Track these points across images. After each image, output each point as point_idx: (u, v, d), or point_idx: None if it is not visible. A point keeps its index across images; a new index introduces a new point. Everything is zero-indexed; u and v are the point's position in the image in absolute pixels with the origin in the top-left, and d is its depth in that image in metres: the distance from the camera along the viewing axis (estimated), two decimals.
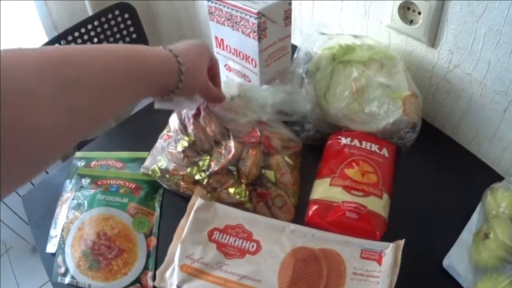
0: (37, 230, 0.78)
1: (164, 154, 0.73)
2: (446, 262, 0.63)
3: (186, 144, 0.70)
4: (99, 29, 1.52)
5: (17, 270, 2.00)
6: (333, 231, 0.62)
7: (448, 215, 0.70)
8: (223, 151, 0.68)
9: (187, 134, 0.71)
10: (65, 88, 0.38)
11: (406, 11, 0.80)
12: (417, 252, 0.61)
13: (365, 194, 0.64)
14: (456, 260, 0.63)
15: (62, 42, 1.43)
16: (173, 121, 0.74)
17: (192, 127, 0.70)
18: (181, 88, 0.56)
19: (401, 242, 0.59)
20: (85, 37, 1.49)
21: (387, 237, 0.62)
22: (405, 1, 0.77)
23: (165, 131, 0.76)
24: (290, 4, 0.69)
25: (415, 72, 0.85)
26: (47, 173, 1.82)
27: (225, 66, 0.80)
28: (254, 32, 0.66)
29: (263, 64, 0.71)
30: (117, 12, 1.54)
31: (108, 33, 1.55)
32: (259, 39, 0.67)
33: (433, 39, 0.79)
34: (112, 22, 1.55)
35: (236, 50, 0.74)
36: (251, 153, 0.67)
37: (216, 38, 0.76)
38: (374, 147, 0.70)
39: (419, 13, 0.77)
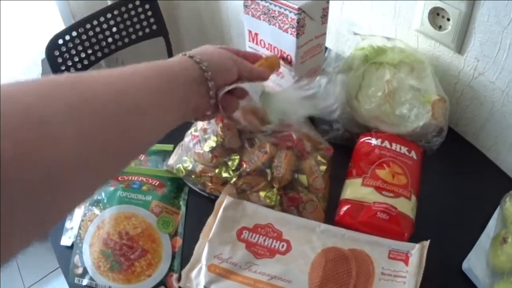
0: None
1: (190, 155, 0.70)
2: (465, 265, 0.62)
3: (214, 144, 0.67)
4: (118, 19, 1.50)
5: (20, 259, 1.99)
6: (363, 231, 0.61)
7: (467, 219, 0.70)
8: (256, 152, 0.66)
9: (215, 133, 0.68)
10: (78, 111, 0.33)
11: (436, 17, 0.78)
12: (438, 254, 0.60)
13: (395, 195, 0.63)
14: (475, 263, 0.62)
15: (80, 30, 1.42)
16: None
17: (221, 125, 0.67)
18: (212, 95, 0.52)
19: (426, 243, 0.58)
20: (104, 25, 1.48)
21: (411, 238, 0.62)
22: (435, 6, 0.76)
23: (192, 129, 0.73)
24: (328, 2, 0.67)
25: (441, 77, 0.83)
26: None
27: None
28: (293, 28, 0.64)
29: (299, 61, 0.70)
30: (137, 3, 1.52)
31: (128, 23, 1.54)
32: (297, 35, 0.65)
33: (460, 45, 0.78)
34: (132, 12, 1.53)
35: (271, 45, 0.72)
36: (284, 157, 0.65)
37: (250, 32, 0.74)
38: (404, 149, 0.69)
39: (448, 19, 0.76)
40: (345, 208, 0.63)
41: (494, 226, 0.65)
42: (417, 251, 0.58)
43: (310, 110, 0.65)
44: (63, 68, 1.42)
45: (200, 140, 0.69)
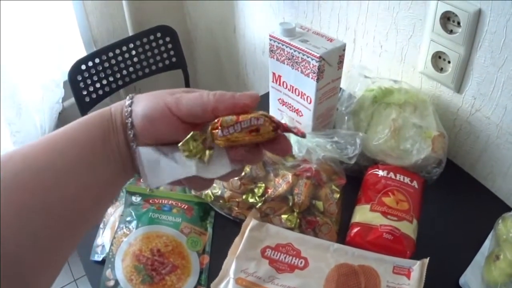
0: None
1: (220, 182, 0.78)
2: (462, 281, 0.71)
3: (242, 173, 0.77)
4: (140, 49, 1.59)
5: None
6: (371, 250, 0.71)
7: (464, 241, 0.78)
8: (280, 180, 0.77)
9: None
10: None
11: (438, 60, 0.90)
12: (437, 271, 0.69)
13: (398, 219, 0.74)
14: (471, 278, 0.71)
15: (102, 57, 1.51)
16: None
17: None
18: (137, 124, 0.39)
19: (426, 260, 0.67)
20: (126, 55, 1.57)
21: (413, 256, 0.71)
22: (437, 50, 0.87)
23: None
24: (344, 50, 0.79)
25: (442, 114, 0.93)
26: None
27: (278, 100, 0.90)
28: (314, 73, 0.76)
29: (317, 102, 0.81)
30: (158, 35, 1.62)
31: (148, 54, 1.63)
32: (318, 80, 0.77)
33: (459, 85, 0.88)
34: (153, 44, 1.62)
35: (293, 87, 0.83)
36: (304, 186, 0.76)
37: (274, 74, 0.86)
38: (406, 179, 0.80)
39: (449, 62, 0.87)
40: (355, 230, 0.74)
41: (488, 246, 0.73)
42: (418, 267, 0.67)
43: (332, 154, 0.77)
44: (85, 93, 1.50)
45: None
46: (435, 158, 0.83)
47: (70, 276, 1.93)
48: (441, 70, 0.90)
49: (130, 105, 0.40)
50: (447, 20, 0.83)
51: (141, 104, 0.40)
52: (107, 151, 0.39)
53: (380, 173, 0.81)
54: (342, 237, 0.77)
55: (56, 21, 1.50)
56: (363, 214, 0.76)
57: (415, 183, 0.80)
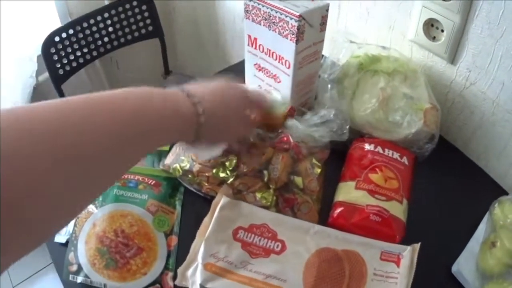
0: None
1: (188, 155, 0.71)
2: (454, 268, 0.65)
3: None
4: (115, 18, 1.52)
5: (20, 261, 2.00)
6: (356, 233, 0.63)
7: (456, 224, 0.73)
8: (253, 153, 0.67)
9: None
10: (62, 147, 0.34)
11: (430, 28, 0.82)
12: (428, 257, 0.63)
13: (387, 199, 0.65)
14: (464, 266, 0.65)
15: (76, 28, 1.43)
16: None
17: None
18: (203, 138, 0.50)
19: (417, 246, 0.61)
20: (101, 25, 1.50)
21: (402, 241, 0.64)
22: (430, 18, 0.79)
23: None
24: (327, 10, 0.70)
25: (433, 86, 0.86)
26: None
27: (255, 65, 0.80)
28: (293, 34, 0.67)
29: (297, 66, 0.72)
30: (134, 3, 1.55)
31: (124, 23, 1.56)
32: (297, 42, 0.67)
33: (453, 56, 0.81)
34: (129, 13, 1.55)
35: (270, 50, 0.74)
36: (281, 159, 0.67)
37: (249, 36, 0.76)
38: (396, 155, 0.72)
39: (442, 30, 0.79)
40: (338, 210, 0.65)
41: (483, 231, 0.68)
42: (408, 253, 0.60)
43: (324, 134, 0.69)
44: (58, 65, 1.43)
45: None
46: (427, 132, 0.75)
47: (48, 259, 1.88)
48: (433, 39, 0.82)
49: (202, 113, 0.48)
50: None
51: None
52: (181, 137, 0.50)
53: (367, 147, 0.72)
54: (324, 217, 0.69)
55: None
56: (347, 192, 0.67)
57: (405, 159, 0.72)
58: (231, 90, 0.55)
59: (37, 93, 1.54)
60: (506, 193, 0.72)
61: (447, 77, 0.85)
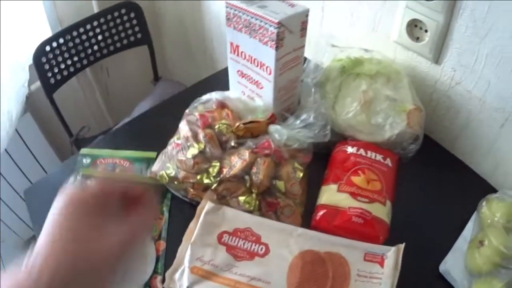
0: (39, 225, 0.78)
1: (173, 162, 0.74)
2: (442, 268, 0.68)
3: (196, 151, 0.72)
4: (104, 27, 1.55)
5: (8, 265, 2.03)
6: (338, 235, 0.65)
7: (444, 223, 0.75)
8: (236, 159, 0.71)
9: (197, 141, 0.73)
10: None
11: (414, 28, 0.84)
12: (415, 257, 0.65)
13: (370, 201, 0.68)
14: (452, 265, 0.68)
15: (66, 37, 1.47)
16: (183, 128, 0.76)
17: (203, 134, 0.72)
18: None
19: (402, 246, 0.63)
20: (90, 33, 1.53)
21: (387, 242, 0.66)
22: (413, 18, 0.82)
23: (174, 138, 0.78)
24: (307, 16, 0.72)
25: (418, 87, 0.89)
26: (46, 172, 1.83)
27: (237, 72, 0.83)
28: (272, 41, 0.70)
29: (278, 72, 0.75)
30: (123, 11, 1.58)
31: (113, 31, 1.59)
32: (277, 48, 0.70)
33: (437, 56, 0.84)
34: (118, 21, 1.58)
35: (251, 57, 0.77)
36: (263, 164, 0.70)
37: (232, 44, 0.79)
38: (379, 157, 0.74)
39: (426, 31, 0.82)
40: (321, 213, 0.68)
41: (471, 230, 0.70)
42: (392, 254, 0.62)
43: (308, 136, 0.72)
44: (50, 74, 1.47)
45: (183, 148, 0.73)
46: (411, 133, 0.78)
47: None
48: (417, 39, 0.85)
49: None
50: None
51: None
52: None
53: (349, 149, 0.75)
54: (307, 220, 0.71)
55: (21, 5, 1.48)
56: (330, 195, 0.70)
57: (388, 161, 0.75)
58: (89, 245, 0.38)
59: (29, 102, 1.57)
60: (494, 191, 0.74)
61: (431, 77, 0.88)
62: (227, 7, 0.74)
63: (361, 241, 0.65)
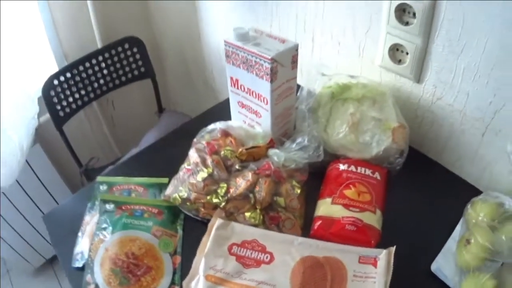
0: (59, 248, 0.89)
1: (185, 185, 0.85)
2: (433, 267, 0.77)
3: (205, 175, 0.83)
4: (109, 61, 1.67)
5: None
6: (334, 241, 0.77)
7: (434, 228, 0.84)
8: (240, 180, 0.83)
9: (206, 166, 0.85)
10: None
11: (396, 52, 0.96)
12: (408, 259, 0.74)
13: (361, 210, 0.80)
14: (443, 264, 0.76)
15: (73, 72, 1.58)
16: (192, 155, 0.89)
17: (210, 159, 0.85)
18: None
19: (393, 249, 0.73)
20: (96, 68, 1.64)
21: (382, 246, 0.75)
22: (394, 43, 0.94)
23: (185, 164, 0.90)
24: (297, 50, 0.85)
25: (403, 105, 0.99)
26: (56, 201, 1.92)
27: (238, 103, 0.95)
28: (267, 75, 0.82)
29: (274, 102, 0.86)
30: (126, 46, 1.69)
31: (118, 65, 1.70)
32: (271, 81, 0.82)
33: (418, 76, 0.94)
34: (122, 55, 1.70)
35: (250, 90, 0.89)
36: (264, 183, 0.82)
37: (232, 78, 0.91)
38: (368, 171, 0.86)
39: (407, 53, 0.93)
40: (318, 223, 0.80)
41: (459, 231, 0.78)
42: (384, 256, 0.72)
43: (303, 157, 0.84)
44: (59, 107, 1.58)
45: (193, 173, 0.85)
46: (396, 148, 0.89)
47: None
48: (399, 62, 0.96)
49: None
50: (403, 12, 0.89)
51: None
52: None
53: (341, 167, 0.87)
54: (306, 231, 0.82)
55: (27, 40, 1.58)
56: (325, 207, 0.82)
57: (377, 175, 0.86)
58: None
59: (39, 134, 1.66)
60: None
61: (415, 95, 0.98)
62: (226, 45, 0.87)
63: (355, 246, 0.75)
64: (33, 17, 1.60)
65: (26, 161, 1.61)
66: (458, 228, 0.80)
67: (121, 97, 2.02)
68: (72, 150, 1.68)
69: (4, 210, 1.73)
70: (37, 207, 1.84)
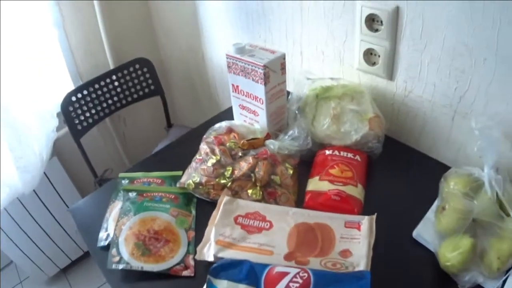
0: (86, 234, 1.01)
1: (197, 172, 1.02)
2: (415, 233, 0.88)
3: (214, 161, 1.01)
4: (122, 80, 1.84)
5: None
6: (323, 210, 0.92)
7: (415, 203, 0.94)
8: (242, 163, 1.00)
9: (214, 154, 1.03)
10: None
11: (370, 56, 1.12)
12: (391, 228, 0.87)
13: (344, 184, 0.97)
14: (423, 231, 0.87)
15: (90, 89, 1.75)
16: (203, 147, 1.07)
17: (218, 149, 1.04)
18: None
19: (374, 216, 0.87)
20: (110, 86, 1.82)
21: (364, 215, 0.88)
22: (367, 48, 1.10)
23: (196, 156, 1.08)
24: (284, 59, 1.04)
25: (381, 101, 1.15)
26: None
27: (239, 106, 1.16)
28: (261, 79, 1.01)
29: (268, 102, 1.06)
30: (137, 66, 1.88)
31: (130, 84, 1.89)
32: (265, 84, 1.02)
33: (390, 74, 1.10)
34: (133, 75, 1.89)
35: (248, 93, 1.09)
36: (262, 165, 0.99)
37: (233, 85, 1.11)
38: (350, 155, 1.04)
39: (379, 56, 1.08)
40: (308, 195, 0.97)
41: (436, 204, 0.87)
42: (366, 221, 0.86)
43: (294, 145, 1.03)
44: (77, 121, 1.74)
45: (204, 161, 1.02)
46: (373, 135, 1.05)
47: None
48: (373, 64, 1.13)
49: None
50: (372, 21, 1.06)
51: None
52: None
53: (327, 152, 1.05)
54: (300, 205, 0.97)
55: (47, 60, 1.73)
56: (314, 184, 0.99)
57: (358, 157, 1.04)
58: None
59: (56, 146, 1.80)
60: None
61: (390, 91, 1.13)
62: (227, 58, 1.07)
63: (341, 214, 0.90)
64: (51, 42, 1.78)
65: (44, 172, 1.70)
66: (436, 202, 0.89)
67: (132, 114, 2.19)
68: (88, 161, 1.82)
69: (21, 219, 1.85)
70: (53, 216, 1.97)
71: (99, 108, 1.83)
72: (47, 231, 1.99)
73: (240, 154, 1.03)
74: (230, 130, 1.11)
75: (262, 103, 1.07)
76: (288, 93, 1.15)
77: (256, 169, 1.00)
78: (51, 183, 1.90)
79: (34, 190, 1.75)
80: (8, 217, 1.82)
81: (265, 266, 0.78)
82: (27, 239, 1.93)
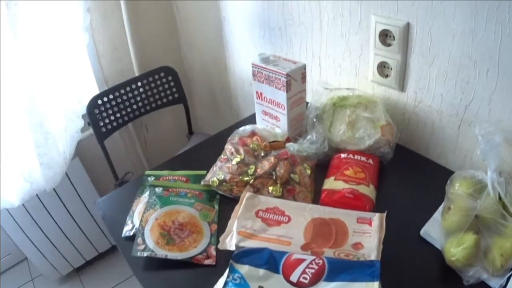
0: (112, 225, 1.09)
1: (222, 170, 1.12)
2: (422, 232, 0.95)
3: (239, 159, 1.11)
4: (147, 87, 1.94)
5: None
6: (337, 207, 1.01)
7: (423, 206, 1.00)
8: (265, 162, 1.10)
9: (238, 154, 1.13)
10: None
11: (383, 69, 1.23)
12: (400, 227, 0.93)
13: (356, 183, 1.06)
14: (430, 230, 0.93)
15: (116, 94, 1.85)
16: (228, 147, 1.18)
17: (242, 149, 1.16)
18: None
19: (384, 214, 0.94)
20: (135, 92, 1.93)
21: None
22: (381, 61, 1.22)
23: (221, 156, 1.18)
24: (305, 68, 1.17)
25: (393, 111, 1.24)
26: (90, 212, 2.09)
27: (262, 112, 1.28)
28: (284, 87, 1.13)
29: (289, 108, 1.18)
30: (162, 74, 1.98)
31: (155, 91, 1.99)
32: (287, 91, 1.13)
33: (402, 85, 1.19)
34: (158, 82, 1.98)
35: (271, 100, 1.21)
36: (283, 164, 1.11)
37: (257, 92, 1.24)
38: (363, 158, 1.15)
39: (391, 68, 1.19)
40: (324, 193, 1.07)
41: (443, 205, 0.91)
42: (377, 218, 0.93)
43: (312, 148, 1.14)
44: (101, 123, 1.82)
45: (229, 160, 1.13)
46: (385, 141, 1.15)
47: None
48: (386, 76, 1.23)
49: None
50: (386, 36, 1.16)
51: None
52: None
53: (342, 155, 1.16)
54: (316, 202, 1.06)
55: (76, 65, 1.79)
56: (330, 183, 1.09)
57: (370, 160, 1.16)
58: None
59: (78, 148, 1.88)
60: None
61: (401, 102, 1.22)
62: (252, 66, 1.20)
63: (354, 210, 0.98)
64: (80, 46, 1.82)
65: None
66: (443, 204, 0.93)
67: (153, 121, 2.28)
68: (111, 163, 1.91)
69: (39, 216, 1.92)
70: (71, 215, 2.04)
71: (123, 112, 1.92)
72: (63, 230, 2.05)
73: (262, 154, 1.14)
74: (253, 133, 1.22)
75: (284, 109, 1.20)
76: (307, 103, 1.25)
77: (277, 168, 1.10)
78: (71, 182, 1.97)
79: (54, 189, 1.80)
80: (26, 214, 1.87)
81: (283, 253, 0.86)
82: (43, 237, 1.98)
